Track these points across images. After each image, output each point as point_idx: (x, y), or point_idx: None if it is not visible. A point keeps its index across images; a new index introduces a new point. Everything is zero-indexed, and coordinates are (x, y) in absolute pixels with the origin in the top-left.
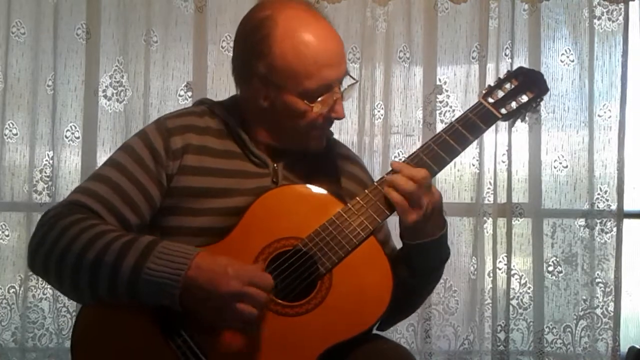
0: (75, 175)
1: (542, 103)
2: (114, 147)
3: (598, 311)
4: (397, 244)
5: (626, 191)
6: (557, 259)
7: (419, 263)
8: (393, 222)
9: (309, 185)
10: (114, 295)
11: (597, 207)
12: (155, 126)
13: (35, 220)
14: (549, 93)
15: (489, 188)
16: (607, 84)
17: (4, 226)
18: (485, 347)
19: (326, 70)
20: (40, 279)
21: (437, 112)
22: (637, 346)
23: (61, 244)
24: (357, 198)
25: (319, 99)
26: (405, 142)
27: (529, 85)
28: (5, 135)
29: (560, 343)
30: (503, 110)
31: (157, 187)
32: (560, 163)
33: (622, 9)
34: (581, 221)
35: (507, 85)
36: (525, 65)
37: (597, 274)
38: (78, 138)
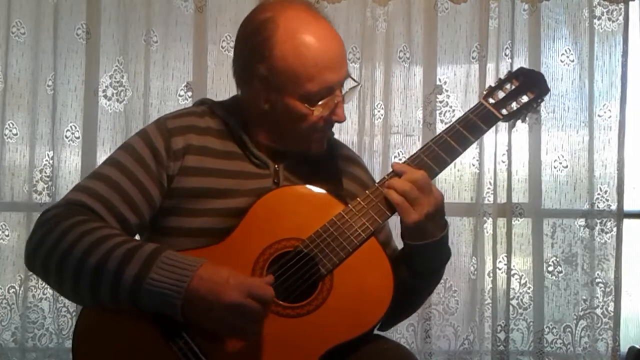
0: (75, 175)
1: (542, 103)
2: (114, 147)
3: (598, 311)
4: (399, 244)
5: (626, 191)
6: (557, 259)
7: (419, 264)
8: (393, 223)
9: (309, 186)
10: (115, 302)
11: (597, 207)
12: (156, 126)
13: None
14: (549, 93)
15: (489, 188)
16: (607, 84)
17: (4, 226)
18: (485, 347)
19: (327, 73)
20: (40, 279)
21: (437, 112)
22: (637, 346)
23: (62, 247)
24: (358, 199)
25: (320, 102)
26: (405, 142)
27: (529, 85)
28: (5, 135)
29: (560, 343)
30: (504, 111)
31: (157, 187)
32: (560, 163)
33: (622, 9)
34: (581, 221)
35: (508, 86)
36: (525, 65)
37: (597, 274)
38: (78, 138)
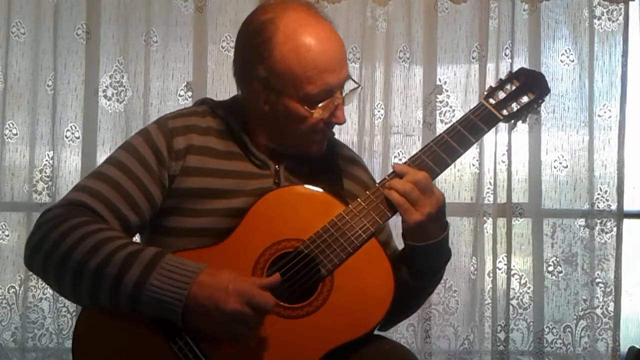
0: (75, 175)
1: (542, 104)
2: (114, 147)
3: (598, 311)
4: (399, 244)
5: (626, 191)
6: (557, 259)
7: (420, 264)
8: (394, 223)
9: (310, 187)
10: (115, 306)
11: (597, 207)
12: (157, 126)
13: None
14: (549, 94)
15: (489, 188)
16: (607, 84)
17: (4, 226)
18: (485, 347)
19: (327, 75)
20: (40, 280)
21: (437, 112)
22: (637, 346)
23: (62, 249)
24: (359, 199)
25: (320, 104)
26: (405, 142)
27: (530, 86)
28: (5, 135)
29: (560, 343)
30: (504, 112)
31: (159, 187)
32: (560, 163)
33: (622, 9)
34: (581, 221)
35: (509, 87)
36: (525, 65)
37: (597, 274)
38: (78, 138)
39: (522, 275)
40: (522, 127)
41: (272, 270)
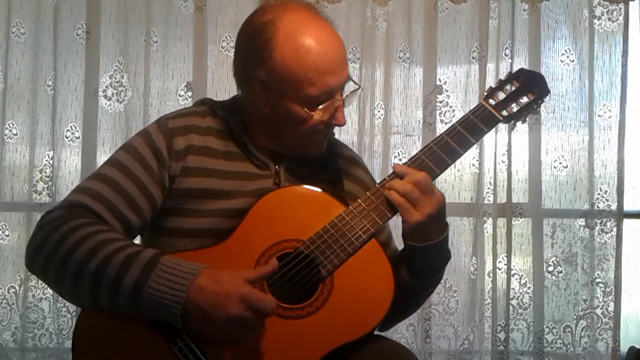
0: (75, 175)
1: (542, 104)
2: (114, 147)
3: (598, 311)
4: (399, 245)
5: (626, 191)
6: (557, 259)
7: (420, 265)
8: (394, 223)
9: (310, 187)
10: (115, 308)
11: (597, 207)
12: (157, 126)
13: (35, 220)
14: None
15: (489, 188)
16: (607, 84)
17: (4, 226)
18: (485, 347)
19: (327, 77)
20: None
21: (437, 112)
22: (637, 346)
23: (62, 251)
24: (359, 200)
25: (320, 106)
26: (405, 142)
27: (530, 87)
28: (5, 135)
29: (560, 343)
30: (504, 112)
31: (159, 188)
32: (560, 163)
33: (622, 9)
34: (581, 221)
35: (508, 87)
36: (525, 65)
37: (597, 274)
38: (78, 138)
39: (522, 275)
40: (522, 127)
41: None
